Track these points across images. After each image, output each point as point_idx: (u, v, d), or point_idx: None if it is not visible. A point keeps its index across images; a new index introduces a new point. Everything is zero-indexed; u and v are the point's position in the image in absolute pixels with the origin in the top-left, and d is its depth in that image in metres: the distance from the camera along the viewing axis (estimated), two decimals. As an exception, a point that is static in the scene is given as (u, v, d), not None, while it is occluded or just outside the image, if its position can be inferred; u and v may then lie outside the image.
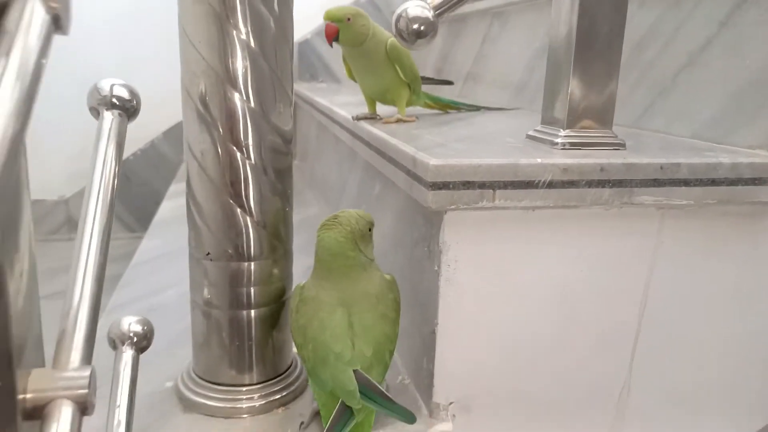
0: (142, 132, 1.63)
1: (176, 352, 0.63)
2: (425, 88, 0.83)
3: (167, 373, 0.59)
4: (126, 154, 1.69)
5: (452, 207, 0.48)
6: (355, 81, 0.77)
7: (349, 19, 0.67)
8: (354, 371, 0.47)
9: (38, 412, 0.30)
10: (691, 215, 0.54)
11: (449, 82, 0.95)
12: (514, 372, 0.55)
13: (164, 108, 1.68)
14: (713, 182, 0.52)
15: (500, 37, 1.13)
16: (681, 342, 0.57)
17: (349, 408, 0.47)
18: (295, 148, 1.77)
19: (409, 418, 0.49)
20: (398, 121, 0.73)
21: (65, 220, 1.69)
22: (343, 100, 0.81)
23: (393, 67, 0.72)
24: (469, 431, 0.55)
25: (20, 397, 0.30)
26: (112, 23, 1.56)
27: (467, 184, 0.47)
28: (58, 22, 0.27)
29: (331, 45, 0.70)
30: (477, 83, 1.22)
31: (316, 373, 0.49)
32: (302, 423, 0.52)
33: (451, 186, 0.47)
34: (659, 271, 0.55)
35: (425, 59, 1.54)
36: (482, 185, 0.47)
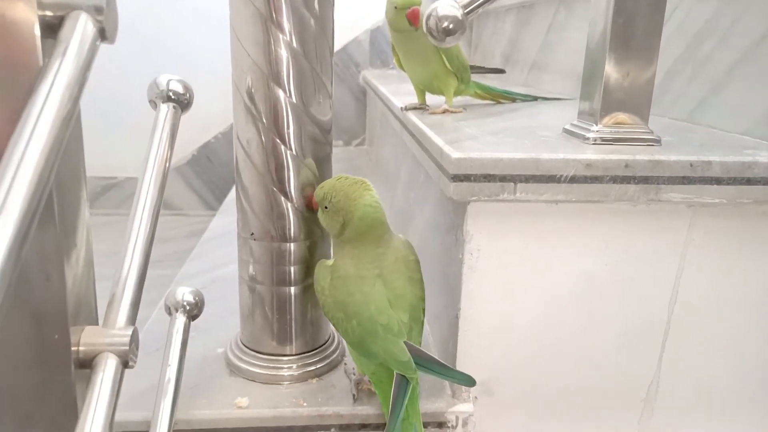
0: (221, 116, 1.73)
1: (230, 321, 0.69)
2: (477, 77, 0.85)
3: (220, 340, 0.65)
4: (207, 137, 1.81)
5: (474, 198, 0.50)
6: (404, 71, 0.79)
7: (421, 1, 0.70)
8: (404, 342, 0.49)
9: (88, 363, 0.36)
10: (725, 213, 0.53)
11: (501, 71, 0.95)
12: (536, 360, 0.56)
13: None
14: (748, 181, 0.51)
15: (566, 26, 1.12)
16: (713, 340, 0.57)
17: (405, 378, 0.49)
18: (365, 134, 1.82)
19: (469, 381, 0.50)
20: (445, 111, 0.75)
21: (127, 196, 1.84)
22: (408, 89, 0.84)
23: (439, 55, 0.73)
24: (490, 414, 0.57)
25: (74, 348, 0.36)
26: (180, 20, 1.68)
27: (488, 177, 0.49)
28: (104, 34, 0.32)
29: (417, 27, 0.70)
30: (542, 71, 1.21)
31: (365, 347, 0.51)
32: (354, 395, 0.56)
33: (472, 178, 0.49)
34: (690, 268, 0.54)
35: (494, 47, 1.54)
36: (503, 178, 0.49)
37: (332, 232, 0.55)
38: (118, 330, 0.37)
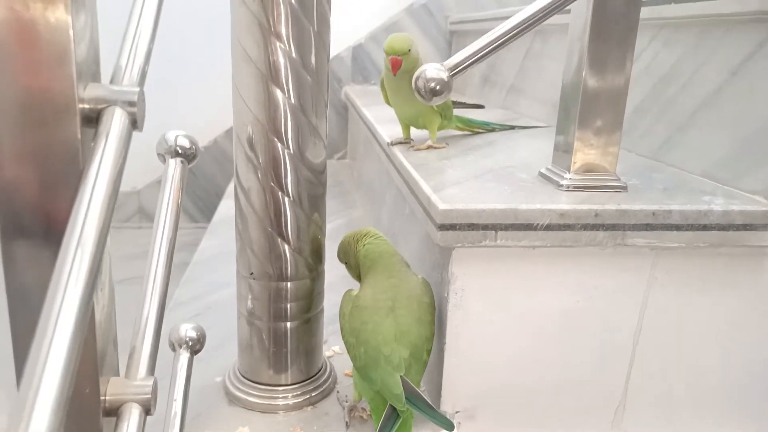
0: (206, 130, 1.76)
1: (227, 349, 0.72)
2: (457, 111, 0.90)
3: (217, 369, 0.69)
4: (191, 150, 1.83)
5: (458, 245, 0.55)
6: (391, 106, 0.84)
7: (409, 50, 0.74)
8: (401, 377, 0.53)
9: (114, 412, 0.40)
10: (685, 255, 0.58)
11: (480, 106, 1.00)
12: (515, 387, 0.61)
13: (226, 108, 1.80)
14: (704, 227, 0.56)
15: (542, 54, 1.18)
16: (674, 369, 0.63)
17: (395, 410, 0.54)
18: (346, 147, 1.86)
19: (448, 425, 0.55)
20: (429, 147, 0.80)
21: (137, 209, 1.85)
22: (390, 114, 0.88)
23: None
24: (472, 436, 0.62)
25: (102, 398, 0.39)
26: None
27: (472, 226, 0.54)
28: (135, 123, 0.36)
29: (395, 74, 0.76)
30: (519, 95, 1.27)
31: (367, 373, 0.56)
32: (347, 422, 0.60)
33: (457, 227, 0.54)
34: (653, 304, 0.60)
35: (473, 67, 1.59)
36: (485, 227, 0.54)
37: (356, 278, 0.64)
38: (140, 381, 0.41)
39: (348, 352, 0.59)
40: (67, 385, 0.25)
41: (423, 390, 0.60)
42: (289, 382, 0.64)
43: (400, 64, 0.75)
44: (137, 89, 0.35)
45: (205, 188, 1.86)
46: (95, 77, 0.36)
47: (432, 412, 0.54)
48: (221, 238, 1.16)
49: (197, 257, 1.06)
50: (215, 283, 0.93)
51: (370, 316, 0.56)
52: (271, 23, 0.54)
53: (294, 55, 0.55)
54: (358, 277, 0.64)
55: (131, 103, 0.35)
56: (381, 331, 0.55)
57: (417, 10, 1.81)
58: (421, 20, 1.82)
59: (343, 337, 0.60)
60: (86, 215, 0.31)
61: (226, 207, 1.37)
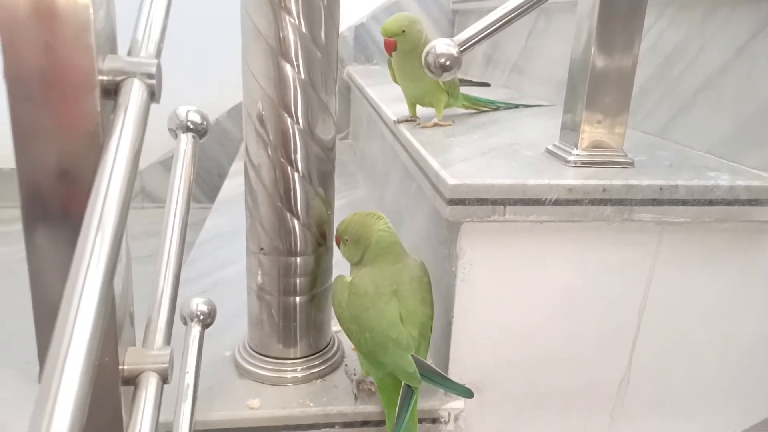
0: (209, 110, 1.75)
1: (234, 324, 0.73)
2: (464, 89, 0.90)
3: (226, 343, 0.70)
4: (193, 131, 1.82)
5: (467, 219, 0.55)
6: (398, 84, 0.84)
7: (404, 31, 0.74)
8: (412, 356, 0.54)
9: (132, 380, 0.40)
10: (690, 230, 0.59)
11: (486, 84, 1.00)
12: (521, 362, 0.62)
13: (228, 88, 1.79)
14: (710, 202, 0.57)
15: (545, 34, 1.17)
16: (677, 344, 0.64)
17: (410, 387, 0.55)
18: (348, 128, 1.86)
19: (467, 393, 0.56)
20: (435, 125, 0.80)
21: (139, 189, 1.85)
22: (394, 93, 0.88)
23: None
24: (478, 410, 0.63)
25: (120, 367, 0.40)
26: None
27: (481, 201, 0.55)
28: (153, 96, 0.36)
29: (390, 56, 0.77)
30: (522, 75, 1.27)
31: (375, 357, 0.57)
32: (355, 395, 0.62)
33: (466, 202, 0.54)
34: (658, 279, 0.61)
35: (482, 42, 1.58)
36: (494, 202, 0.55)
37: (353, 261, 0.61)
38: (158, 350, 0.42)
39: (349, 338, 0.59)
40: (94, 353, 0.26)
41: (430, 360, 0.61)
42: (298, 356, 0.65)
43: (394, 45, 0.75)
44: (155, 61, 0.36)
45: (208, 169, 1.86)
46: (113, 49, 0.36)
47: (449, 383, 0.55)
48: (226, 217, 1.16)
49: (202, 237, 1.07)
50: (222, 260, 0.94)
51: (372, 302, 0.57)
52: (281, -2, 0.54)
53: (304, 30, 0.55)
54: (357, 261, 0.61)
55: (150, 75, 0.35)
56: (385, 315, 0.56)
57: (422, -8, 1.80)
58: (424, 0, 1.81)
59: (342, 324, 0.60)
60: (108, 186, 0.31)
61: (230, 186, 1.38)
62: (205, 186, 1.86)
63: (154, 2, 0.40)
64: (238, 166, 1.57)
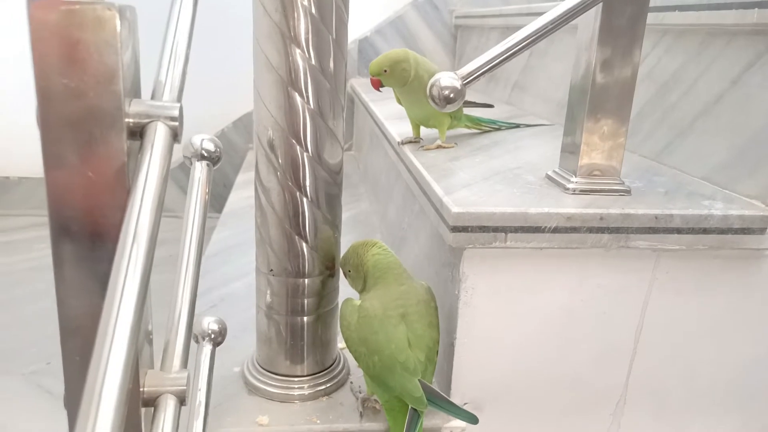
0: (214, 121, 1.78)
1: (242, 339, 0.75)
2: (467, 110, 0.92)
3: (234, 359, 0.72)
4: (199, 142, 1.85)
5: (470, 246, 0.57)
6: (402, 106, 0.86)
7: (386, 71, 0.77)
8: (419, 380, 0.56)
9: (151, 402, 0.43)
10: (685, 257, 0.61)
11: (490, 106, 1.02)
12: (521, 381, 0.64)
13: (234, 99, 1.82)
14: (704, 231, 0.59)
15: (547, 53, 1.20)
16: (673, 364, 0.66)
17: (416, 410, 0.57)
18: (352, 139, 1.88)
19: (471, 419, 0.57)
20: (438, 147, 0.83)
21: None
22: (398, 110, 0.90)
23: None
24: (480, 427, 0.65)
25: (141, 389, 0.42)
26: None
27: (483, 228, 0.57)
28: (176, 137, 0.38)
29: (380, 90, 0.80)
30: (524, 92, 1.29)
31: (383, 380, 0.58)
32: (361, 412, 0.64)
33: (469, 229, 0.57)
34: (654, 303, 0.63)
35: (485, 75, 1.61)
36: (496, 229, 0.57)
37: (358, 289, 0.64)
38: (176, 374, 0.44)
39: (357, 361, 0.61)
40: (129, 376, 0.28)
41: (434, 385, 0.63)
42: (305, 374, 0.67)
43: (379, 83, 0.80)
44: (178, 105, 0.38)
45: (214, 179, 1.88)
46: (137, 93, 0.39)
47: (454, 408, 0.57)
48: (232, 229, 1.19)
49: (210, 250, 1.09)
50: (229, 275, 0.96)
51: (381, 325, 0.58)
52: (292, 32, 0.56)
53: (313, 62, 0.58)
54: (361, 288, 0.64)
55: (173, 118, 0.37)
56: (393, 339, 0.57)
57: (422, 4, 1.82)
58: (426, 14, 1.83)
59: (350, 347, 0.61)
60: (137, 222, 0.33)
61: (236, 199, 1.40)
62: (211, 196, 1.88)
63: (177, 46, 0.42)
64: (243, 178, 1.60)
